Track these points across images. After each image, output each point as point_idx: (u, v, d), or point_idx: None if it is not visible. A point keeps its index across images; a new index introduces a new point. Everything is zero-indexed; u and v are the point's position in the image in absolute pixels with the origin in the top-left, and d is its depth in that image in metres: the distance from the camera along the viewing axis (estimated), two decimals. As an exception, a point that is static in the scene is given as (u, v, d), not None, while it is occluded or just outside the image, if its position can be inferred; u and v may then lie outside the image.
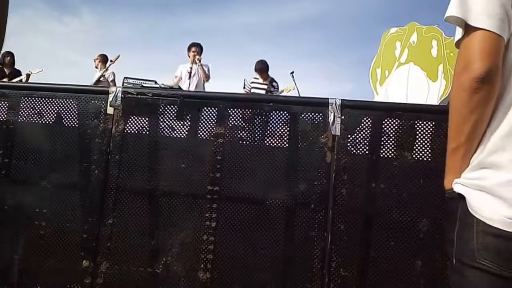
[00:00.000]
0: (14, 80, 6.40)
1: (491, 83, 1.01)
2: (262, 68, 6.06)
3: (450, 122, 1.12)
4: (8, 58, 6.75)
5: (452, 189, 1.11)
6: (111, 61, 6.71)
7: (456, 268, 1.05)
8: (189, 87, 5.76)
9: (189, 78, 5.73)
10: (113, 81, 6.70)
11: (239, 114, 2.48)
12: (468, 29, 1.04)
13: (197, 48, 5.95)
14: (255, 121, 2.49)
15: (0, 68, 6.68)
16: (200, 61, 5.80)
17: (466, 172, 1.08)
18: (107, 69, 6.71)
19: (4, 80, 6.43)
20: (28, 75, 6.65)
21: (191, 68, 5.81)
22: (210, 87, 6.04)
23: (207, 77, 5.92)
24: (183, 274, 2.37)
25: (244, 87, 6.15)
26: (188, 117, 2.52)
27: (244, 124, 2.49)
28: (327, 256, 2.25)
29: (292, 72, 6.24)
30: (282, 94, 6.17)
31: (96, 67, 6.92)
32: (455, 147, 1.11)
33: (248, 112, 2.51)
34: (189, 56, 6.03)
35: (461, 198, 1.06)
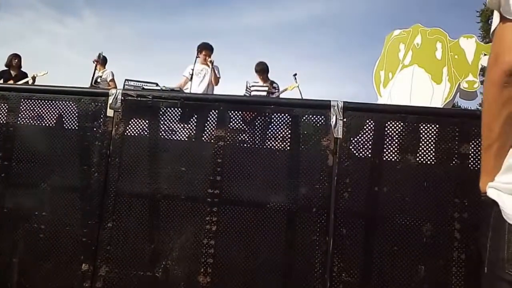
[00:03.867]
0: (19, 83, 6.38)
1: None
2: (262, 69, 6.01)
3: (482, 118, 1.06)
4: (16, 60, 6.73)
5: (486, 192, 1.05)
6: (36, 75, 6.67)
7: (487, 277, 0.99)
8: (198, 89, 5.69)
9: (202, 80, 5.67)
10: (112, 80, 6.65)
11: (239, 116, 2.46)
12: (503, 19, 0.98)
13: (208, 51, 5.88)
14: (256, 123, 2.47)
15: (7, 70, 6.69)
16: (212, 64, 5.73)
17: (499, 174, 1.02)
18: (100, 70, 6.65)
19: (10, 82, 6.43)
20: (34, 78, 6.65)
21: (204, 69, 5.73)
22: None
23: (217, 81, 5.84)
24: (183, 278, 2.34)
25: (245, 90, 6.11)
26: (188, 119, 2.50)
27: (245, 126, 2.46)
28: (329, 260, 2.22)
29: (295, 74, 6.20)
30: (286, 91, 6.12)
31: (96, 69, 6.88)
32: (487, 145, 1.05)
33: (249, 114, 2.49)
34: (198, 57, 5.89)
35: (495, 203, 0.99)
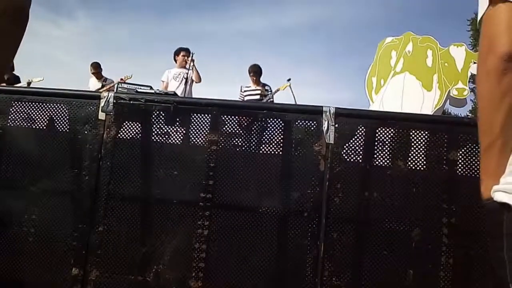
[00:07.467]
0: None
1: None
2: (256, 71, 6.06)
3: (479, 116, 0.95)
4: None
5: (492, 198, 0.90)
6: (121, 79, 6.61)
7: None
8: (183, 92, 5.74)
9: (185, 83, 5.72)
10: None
11: (232, 121, 2.46)
12: (493, 2, 0.89)
13: (186, 52, 5.99)
14: (249, 128, 2.48)
15: None
16: (193, 62, 5.80)
17: (506, 175, 0.89)
18: (112, 85, 6.58)
19: (3, 85, 6.28)
20: (28, 83, 6.56)
21: (186, 73, 5.79)
22: (206, 92, 6.04)
23: (199, 78, 5.93)
24: (174, 283, 2.33)
25: (239, 94, 6.14)
26: (181, 123, 2.50)
27: (237, 131, 2.47)
28: (320, 264, 2.23)
29: (289, 79, 6.24)
30: (278, 92, 6.15)
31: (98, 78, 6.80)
32: (488, 144, 0.93)
33: (242, 119, 2.50)
34: (175, 61, 6.07)
35: (506, 208, 0.85)
